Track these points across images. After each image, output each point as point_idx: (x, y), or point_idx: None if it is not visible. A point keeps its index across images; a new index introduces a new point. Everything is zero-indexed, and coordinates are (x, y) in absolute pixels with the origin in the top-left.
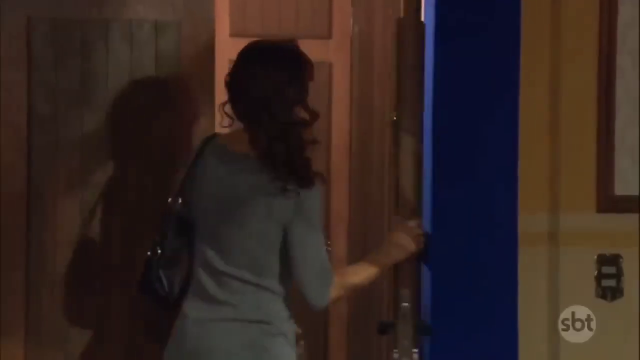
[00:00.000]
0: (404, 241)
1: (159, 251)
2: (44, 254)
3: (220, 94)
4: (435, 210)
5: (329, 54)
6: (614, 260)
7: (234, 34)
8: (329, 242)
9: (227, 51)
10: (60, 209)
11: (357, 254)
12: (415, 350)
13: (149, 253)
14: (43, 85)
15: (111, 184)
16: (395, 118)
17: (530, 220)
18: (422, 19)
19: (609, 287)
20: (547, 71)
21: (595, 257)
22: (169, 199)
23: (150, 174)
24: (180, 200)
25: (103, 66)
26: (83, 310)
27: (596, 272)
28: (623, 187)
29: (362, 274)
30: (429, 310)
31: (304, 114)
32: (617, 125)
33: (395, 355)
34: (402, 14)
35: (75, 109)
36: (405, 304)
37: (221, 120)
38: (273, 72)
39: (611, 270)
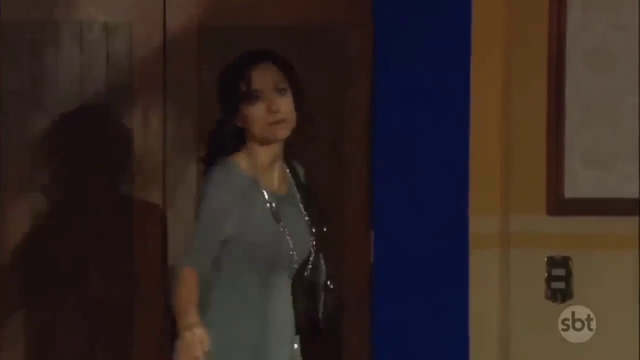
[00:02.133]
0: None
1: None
2: None
3: (170, 95)
4: (384, 213)
5: None
6: (563, 262)
7: None
8: None
9: None
10: (8, 212)
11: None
12: None
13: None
14: None
15: (61, 187)
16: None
17: (481, 222)
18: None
19: (558, 289)
20: (498, 75)
21: (546, 259)
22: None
23: (100, 177)
24: None
25: (53, 68)
26: (30, 320)
27: (546, 274)
28: (573, 189)
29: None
30: (377, 311)
31: None
32: (567, 128)
33: None
34: None
35: (25, 111)
36: None
37: None
38: None
39: (561, 272)
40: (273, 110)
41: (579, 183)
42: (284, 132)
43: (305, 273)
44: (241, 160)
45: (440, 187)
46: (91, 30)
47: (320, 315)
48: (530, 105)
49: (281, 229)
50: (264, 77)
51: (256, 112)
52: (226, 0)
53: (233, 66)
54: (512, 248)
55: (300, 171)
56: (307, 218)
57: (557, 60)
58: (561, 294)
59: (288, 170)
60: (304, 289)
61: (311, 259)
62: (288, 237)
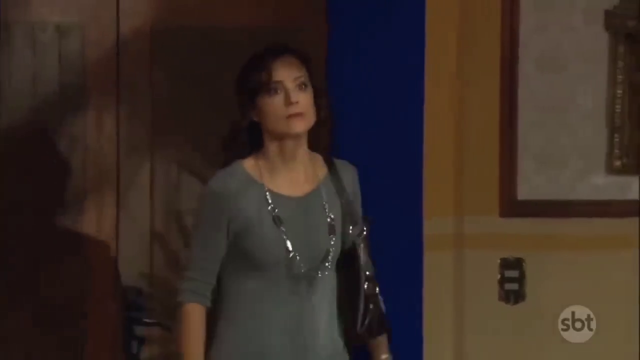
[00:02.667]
0: None
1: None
2: None
3: (124, 96)
4: None
5: None
6: (517, 264)
7: None
8: None
9: None
10: None
11: None
12: None
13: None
14: None
15: (13, 187)
16: None
17: (434, 224)
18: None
19: (512, 291)
20: (451, 76)
21: (499, 260)
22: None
23: (53, 178)
24: None
25: (5, 69)
26: None
27: (499, 276)
28: (526, 191)
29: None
30: None
31: None
32: (520, 130)
33: None
34: None
35: None
36: None
37: None
38: None
39: (514, 273)
40: (291, 101)
41: (532, 185)
42: (300, 125)
43: (319, 275)
44: (248, 162)
45: (393, 189)
46: (44, 31)
47: (358, 323)
48: (483, 106)
49: (282, 234)
50: (285, 70)
51: (273, 103)
52: (179, 2)
53: (254, 58)
54: (465, 250)
55: (345, 170)
56: (331, 217)
57: (510, 62)
58: (514, 295)
59: (326, 169)
60: (346, 295)
61: (330, 258)
62: (288, 240)
